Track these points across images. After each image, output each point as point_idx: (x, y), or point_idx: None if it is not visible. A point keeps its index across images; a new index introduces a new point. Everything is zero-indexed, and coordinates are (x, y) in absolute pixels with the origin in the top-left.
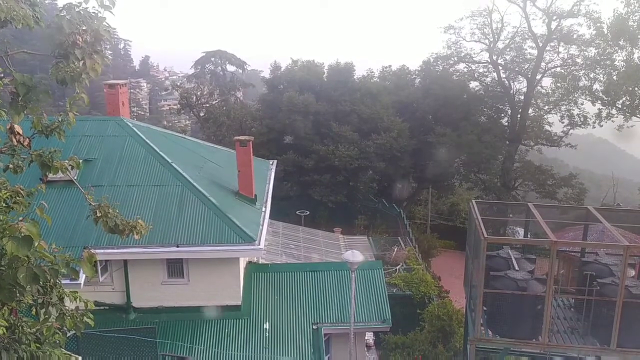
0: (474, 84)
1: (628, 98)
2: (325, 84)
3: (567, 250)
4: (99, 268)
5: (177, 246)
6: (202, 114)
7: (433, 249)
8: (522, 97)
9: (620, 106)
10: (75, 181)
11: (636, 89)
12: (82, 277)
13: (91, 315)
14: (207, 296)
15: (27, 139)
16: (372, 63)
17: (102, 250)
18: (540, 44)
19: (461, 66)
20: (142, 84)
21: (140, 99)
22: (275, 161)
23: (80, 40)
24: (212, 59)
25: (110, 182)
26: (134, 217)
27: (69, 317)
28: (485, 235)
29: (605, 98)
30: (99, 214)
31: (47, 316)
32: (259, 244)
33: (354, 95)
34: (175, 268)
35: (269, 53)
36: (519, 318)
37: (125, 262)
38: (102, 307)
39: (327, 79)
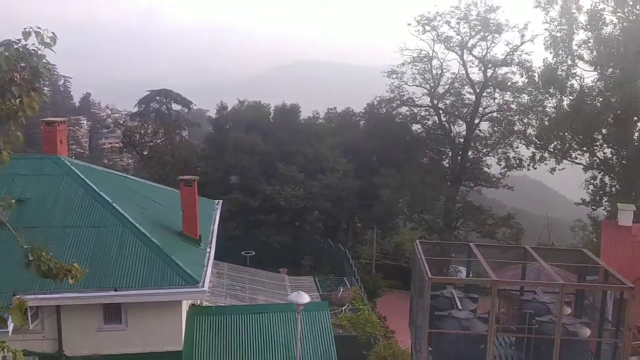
0: (416, 127)
1: (559, 142)
2: (271, 125)
3: (507, 289)
4: (29, 315)
5: (115, 290)
6: (145, 153)
7: (378, 289)
8: (462, 140)
9: (552, 150)
10: (6, 222)
11: (566, 134)
12: (11, 326)
13: None
14: (146, 342)
15: None
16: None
17: (33, 296)
18: (478, 90)
19: (404, 109)
20: (82, 121)
21: (80, 137)
22: (221, 201)
23: (18, 77)
24: (157, 98)
25: (45, 223)
26: (70, 260)
27: None
28: (430, 275)
29: (538, 142)
30: (31, 257)
31: None
32: (203, 286)
33: (300, 136)
34: (113, 313)
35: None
36: (463, 357)
37: (58, 307)
38: (31, 357)
39: (274, 119)
